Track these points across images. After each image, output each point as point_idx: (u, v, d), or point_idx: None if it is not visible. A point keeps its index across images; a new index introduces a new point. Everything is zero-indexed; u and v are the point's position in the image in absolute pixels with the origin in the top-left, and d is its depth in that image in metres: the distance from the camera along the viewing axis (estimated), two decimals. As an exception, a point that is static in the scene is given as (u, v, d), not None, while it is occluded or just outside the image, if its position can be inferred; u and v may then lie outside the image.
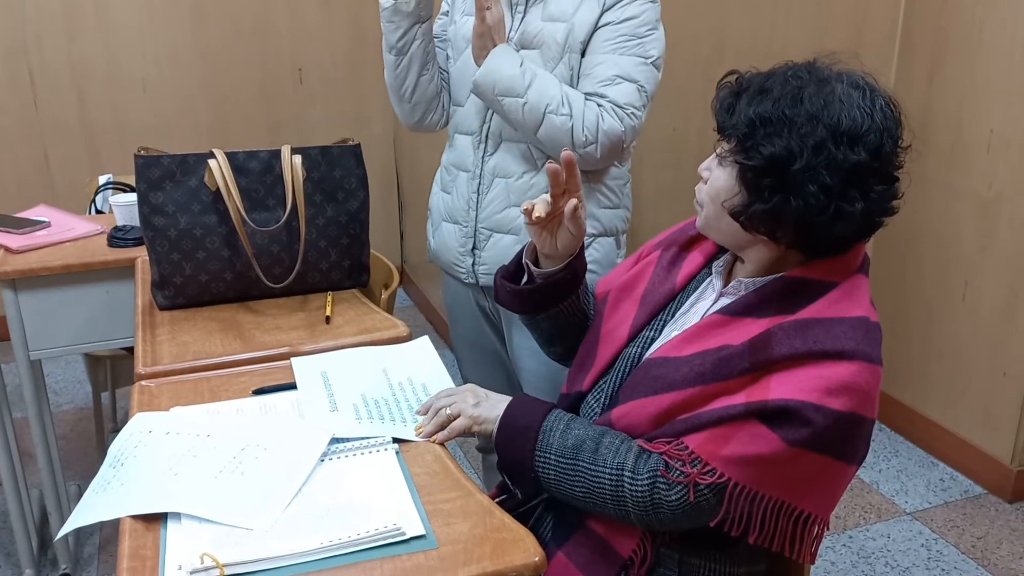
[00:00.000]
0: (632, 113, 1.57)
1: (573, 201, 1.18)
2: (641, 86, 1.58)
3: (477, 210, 1.72)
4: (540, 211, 1.17)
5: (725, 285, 1.19)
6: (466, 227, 1.75)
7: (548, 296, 1.31)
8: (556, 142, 1.56)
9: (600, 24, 1.58)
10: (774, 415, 1.01)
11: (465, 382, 1.95)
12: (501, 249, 1.71)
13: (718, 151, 1.11)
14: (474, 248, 1.75)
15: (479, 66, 1.59)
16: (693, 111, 2.69)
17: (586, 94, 1.57)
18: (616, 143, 1.57)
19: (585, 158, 1.57)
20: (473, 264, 1.76)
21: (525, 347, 1.75)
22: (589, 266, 1.66)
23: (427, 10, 1.66)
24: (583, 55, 1.60)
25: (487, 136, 1.69)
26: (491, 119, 1.68)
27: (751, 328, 1.08)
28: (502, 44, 1.58)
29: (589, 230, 1.68)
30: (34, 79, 3.32)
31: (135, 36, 3.40)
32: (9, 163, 3.37)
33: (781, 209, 1.04)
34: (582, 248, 1.31)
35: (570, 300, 1.33)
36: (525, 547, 0.96)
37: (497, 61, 1.57)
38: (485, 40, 1.58)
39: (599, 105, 1.56)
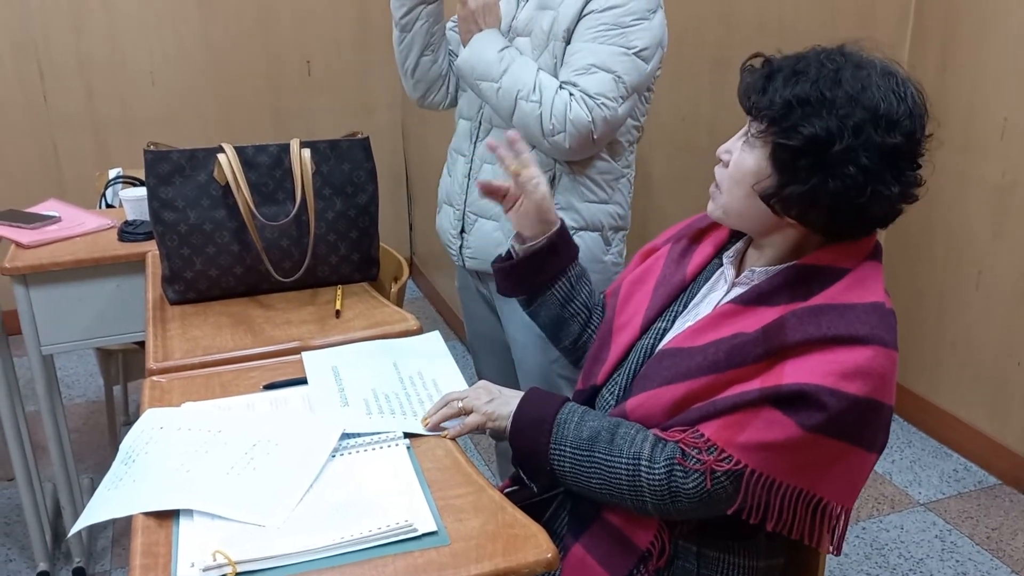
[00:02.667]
0: (603, 104, 1.53)
1: (512, 167, 1.28)
2: (618, 76, 1.54)
3: (467, 194, 1.74)
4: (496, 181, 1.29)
5: (737, 275, 1.19)
6: (458, 210, 1.77)
7: (534, 272, 1.34)
8: (528, 129, 1.56)
9: (584, 12, 1.56)
10: (789, 400, 1.01)
11: (479, 378, 1.96)
12: (484, 234, 1.72)
13: (749, 132, 1.09)
14: (463, 231, 1.77)
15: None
16: (702, 98, 2.67)
17: (561, 82, 1.56)
18: (584, 133, 1.54)
19: (555, 147, 1.56)
20: (461, 247, 1.78)
21: (517, 339, 1.77)
22: None
23: None
24: (569, 43, 1.59)
25: (481, 122, 1.71)
26: (485, 105, 1.69)
27: (764, 316, 1.07)
28: (489, 29, 1.59)
29: (569, 223, 1.67)
30: (43, 73, 3.32)
31: (142, 29, 3.40)
32: (18, 157, 3.38)
33: (818, 190, 1.03)
34: (565, 231, 1.34)
35: (560, 283, 1.35)
36: (537, 543, 0.96)
37: (479, 45, 1.58)
38: (469, 24, 1.60)
39: (570, 94, 1.53)
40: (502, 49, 1.57)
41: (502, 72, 1.56)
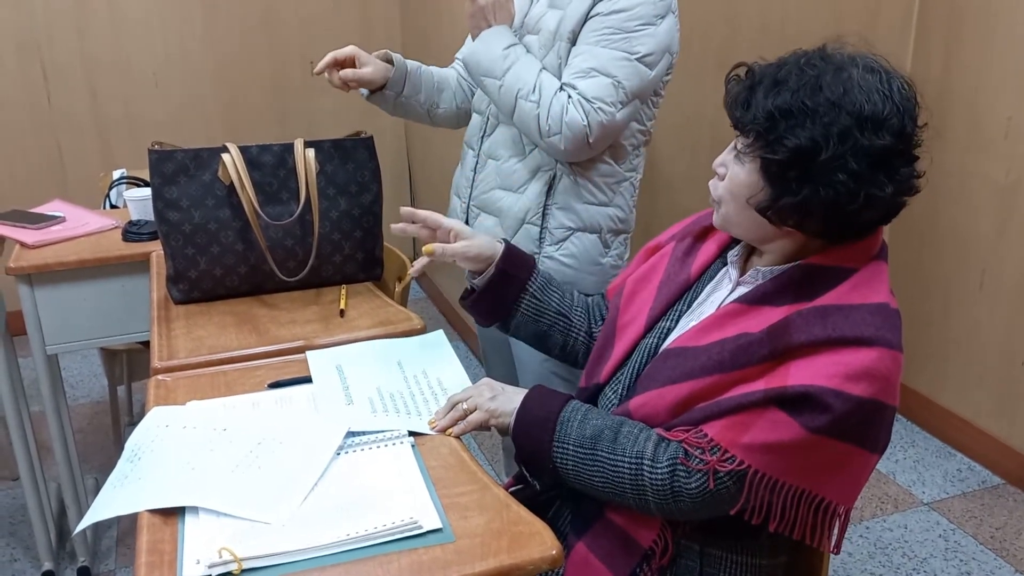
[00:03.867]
0: (600, 108, 1.51)
1: (424, 247, 1.31)
2: (618, 82, 1.52)
3: (472, 187, 1.76)
4: (416, 269, 1.35)
5: (742, 274, 1.19)
6: (464, 203, 1.78)
7: (497, 301, 1.37)
8: (526, 128, 1.57)
9: (591, 15, 1.55)
10: (793, 401, 1.00)
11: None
12: (484, 230, 1.72)
13: (736, 147, 1.09)
14: (467, 224, 1.76)
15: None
16: (706, 98, 2.67)
17: (562, 84, 1.55)
18: (579, 137, 1.52)
19: (551, 148, 1.56)
20: None
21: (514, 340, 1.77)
22: (563, 258, 1.69)
23: (396, 87, 1.75)
24: (574, 45, 1.59)
25: (489, 117, 1.72)
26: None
27: (769, 316, 1.07)
28: (499, 25, 1.60)
29: (565, 222, 1.67)
30: (46, 74, 3.33)
31: (145, 30, 3.41)
32: (22, 157, 3.39)
33: (811, 200, 1.03)
34: (510, 252, 1.35)
35: (525, 302, 1.37)
36: (542, 540, 0.96)
37: (486, 42, 1.59)
38: (477, 20, 1.61)
39: (569, 97, 1.52)
40: (508, 47, 1.57)
41: (505, 70, 1.56)
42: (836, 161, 1.00)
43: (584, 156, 1.60)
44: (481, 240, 1.34)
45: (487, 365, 2.03)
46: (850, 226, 1.07)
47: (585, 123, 1.51)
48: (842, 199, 1.02)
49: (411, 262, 1.90)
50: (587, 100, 1.51)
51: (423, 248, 1.31)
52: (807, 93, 1.02)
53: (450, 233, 1.34)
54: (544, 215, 1.66)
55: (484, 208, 1.73)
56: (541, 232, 1.67)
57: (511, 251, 1.35)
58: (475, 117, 1.79)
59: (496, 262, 1.33)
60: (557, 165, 1.64)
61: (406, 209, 1.35)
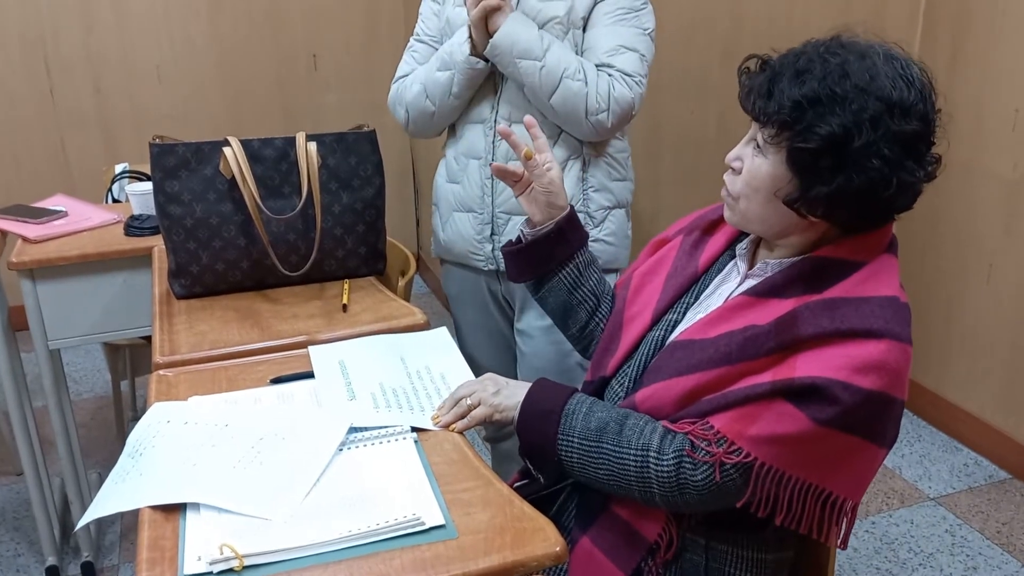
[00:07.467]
0: (639, 80, 1.62)
1: (524, 151, 1.30)
2: (642, 55, 1.63)
3: (493, 196, 1.72)
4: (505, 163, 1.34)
5: (750, 267, 1.18)
6: (482, 214, 1.74)
7: (542, 257, 1.35)
8: (570, 108, 1.59)
9: None
10: (801, 393, 1.00)
11: (469, 362, 1.93)
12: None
13: (759, 139, 1.07)
14: (492, 234, 1.74)
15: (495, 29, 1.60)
16: (711, 91, 2.66)
17: (595, 65, 1.61)
18: (627, 110, 1.61)
19: (596, 127, 1.61)
20: (493, 250, 1.76)
21: (532, 333, 1.76)
22: (606, 238, 1.73)
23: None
24: (584, 31, 1.65)
25: (497, 120, 1.71)
26: (499, 104, 1.69)
27: (777, 308, 1.06)
28: (516, 11, 1.62)
29: (603, 203, 1.71)
30: (50, 69, 3.33)
31: (150, 24, 3.40)
32: (26, 152, 3.39)
33: (844, 188, 1.01)
34: (574, 217, 1.34)
35: (568, 269, 1.36)
36: (546, 536, 0.95)
37: (515, 25, 1.59)
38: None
39: (609, 75, 1.60)
40: (539, 29, 1.60)
41: (545, 50, 1.58)
42: (870, 148, 0.99)
43: (619, 131, 1.68)
44: (562, 190, 1.33)
45: (464, 343, 1.94)
46: (880, 212, 1.06)
47: (632, 96, 1.60)
48: (876, 186, 1.01)
49: (414, 257, 1.89)
50: (627, 75, 1.60)
51: (525, 152, 1.30)
52: (834, 80, 1.00)
53: (545, 166, 1.31)
54: (584, 200, 1.70)
55: (515, 211, 1.70)
56: (584, 218, 1.70)
57: (574, 216, 1.35)
58: (472, 128, 1.73)
59: (558, 219, 1.33)
60: (583, 148, 1.68)
61: (504, 128, 1.35)
